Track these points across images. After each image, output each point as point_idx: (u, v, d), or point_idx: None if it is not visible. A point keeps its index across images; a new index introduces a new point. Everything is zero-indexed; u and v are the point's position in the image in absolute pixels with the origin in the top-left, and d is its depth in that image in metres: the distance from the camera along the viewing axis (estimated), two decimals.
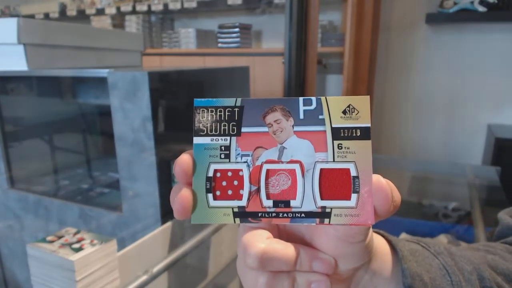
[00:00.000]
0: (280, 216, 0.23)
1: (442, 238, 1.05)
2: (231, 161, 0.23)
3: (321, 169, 0.23)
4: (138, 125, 1.04)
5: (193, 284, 1.08)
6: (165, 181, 1.08)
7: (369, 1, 1.97)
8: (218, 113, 0.23)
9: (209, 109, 0.23)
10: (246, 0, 2.58)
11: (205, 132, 0.23)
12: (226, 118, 0.23)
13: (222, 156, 0.23)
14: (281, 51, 1.54)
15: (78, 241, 0.71)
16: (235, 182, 0.23)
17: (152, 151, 1.04)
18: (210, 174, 0.23)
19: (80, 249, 0.68)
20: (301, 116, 0.23)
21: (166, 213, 1.08)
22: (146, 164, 1.06)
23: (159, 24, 3.10)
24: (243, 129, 0.23)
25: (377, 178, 0.22)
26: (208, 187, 0.23)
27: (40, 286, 0.71)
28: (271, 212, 0.23)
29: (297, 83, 1.50)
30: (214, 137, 0.23)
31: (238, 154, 0.23)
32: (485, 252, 0.37)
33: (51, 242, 0.70)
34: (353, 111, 0.23)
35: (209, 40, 2.88)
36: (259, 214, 0.23)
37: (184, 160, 0.23)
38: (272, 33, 2.76)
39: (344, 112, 0.23)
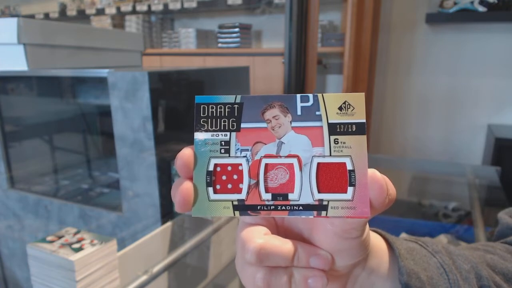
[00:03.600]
0: (279, 209, 0.23)
1: (442, 238, 1.05)
2: (230, 155, 0.23)
3: (318, 163, 0.23)
4: (138, 125, 1.04)
5: (193, 284, 1.08)
6: (165, 181, 1.08)
7: (369, 1, 1.97)
8: (218, 109, 0.24)
9: (210, 106, 0.24)
10: (246, 0, 2.58)
11: (205, 127, 0.24)
12: (226, 114, 0.24)
13: (222, 151, 0.23)
14: (281, 51, 1.54)
15: (78, 241, 0.71)
16: (235, 176, 0.23)
17: (152, 151, 1.04)
18: (211, 168, 0.23)
19: (80, 249, 0.68)
20: (299, 112, 0.24)
21: (166, 213, 1.08)
22: (146, 164, 1.06)
23: (159, 24, 3.10)
24: (243, 125, 0.24)
25: (372, 172, 0.23)
26: (208, 181, 0.23)
27: (40, 286, 0.71)
28: (270, 205, 0.23)
29: (297, 83, 1.50)
30: (215, 133, 0.24)
31: (238, 149, 0.23)
32: (484, 251, 0.37)
33: (51, 242, 0.70)
34: (348, 107, 0.23)
35: (209, 40, 2.88)
36: (258, 207, 0.23)
37: (185, 154, 0.24)
38: (272, 33, 2.76)
39: (340, 108, 0.23)
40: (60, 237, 0.72)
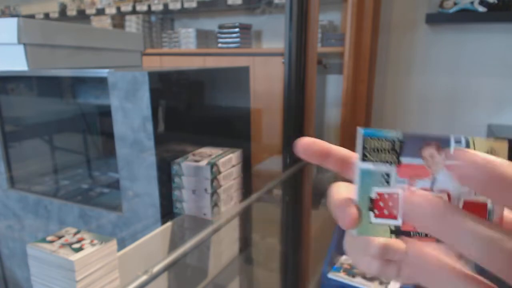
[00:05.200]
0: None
1: None
2: (390, 185, 0.27)
3: (465, 201, 0.26)
4: (138, 125, 1.04)
5: (193, 284, 1.08)
6: (165, 181, 1.08)
7: (369, 1, 1.97)
8: (382, 144, 0.27)
9: (375, 140, 0.27)
10: (246, 0, 2.58)
11: (368, 158, 0.27)
12: (389, 149, 0.27)
13: (383, 181, 0.27)
14: (281, 51, 1.54)
15: (78, 241, 0.71)
16: (390, 203, 0.27)
17: (152, 151, 1.04)
18: (372, 195, 0.27)
19: (80, 249, 0.68)
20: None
21: (166, 213, 1.08)
22: (146, 164, 1.06)
23: (159, 24, 3.10)
24: (403, 160, 0.27)
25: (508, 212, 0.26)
26: (370, 206, 0.27)
27: (40, 286, 0.71)
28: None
29: (297, 83, 1.50)
30: (377, 164, 0.27)
31: (396, 180, 0.27)
32: None
33: (51, 242, 0.70)
34: (493, 153, 0.26)
35: (209, 40, 2.88)
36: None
37: (305, 139, 0.27)
38: (272, 33, 2.76)
39: (487, 153, 0.26)
40: (60, 237, 0.72)
